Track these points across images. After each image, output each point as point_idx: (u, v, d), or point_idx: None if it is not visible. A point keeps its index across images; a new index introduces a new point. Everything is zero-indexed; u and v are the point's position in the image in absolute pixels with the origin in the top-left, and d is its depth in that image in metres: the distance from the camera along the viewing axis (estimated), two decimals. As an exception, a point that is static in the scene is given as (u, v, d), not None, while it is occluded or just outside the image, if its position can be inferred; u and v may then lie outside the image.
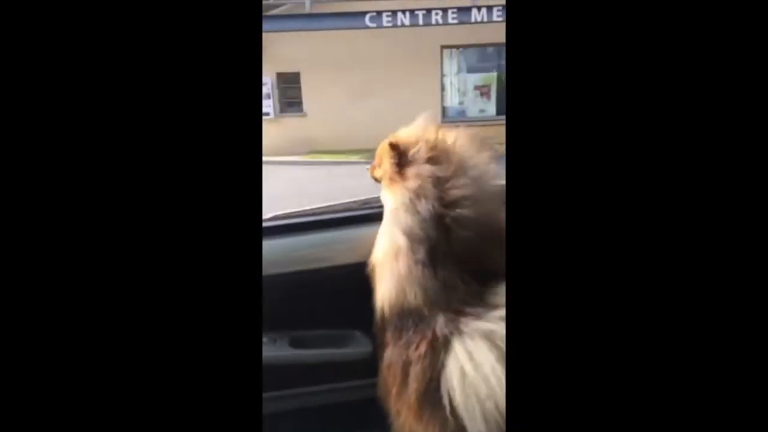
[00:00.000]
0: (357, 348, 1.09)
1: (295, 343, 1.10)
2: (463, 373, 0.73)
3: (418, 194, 0.83)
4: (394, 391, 0.82)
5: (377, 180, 0.97)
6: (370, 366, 0.95)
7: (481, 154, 0.88)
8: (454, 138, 0.88)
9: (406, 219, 0.83)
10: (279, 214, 1.19)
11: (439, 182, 0.82)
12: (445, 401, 0.74)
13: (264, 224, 1.19)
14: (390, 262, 0.85)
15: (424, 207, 0.81)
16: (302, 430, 1.10)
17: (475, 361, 0.72)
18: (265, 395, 1.06)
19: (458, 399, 0.72)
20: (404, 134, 0.92)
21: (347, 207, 1.24)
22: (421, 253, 0.81)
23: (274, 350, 1.08)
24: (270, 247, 1.12)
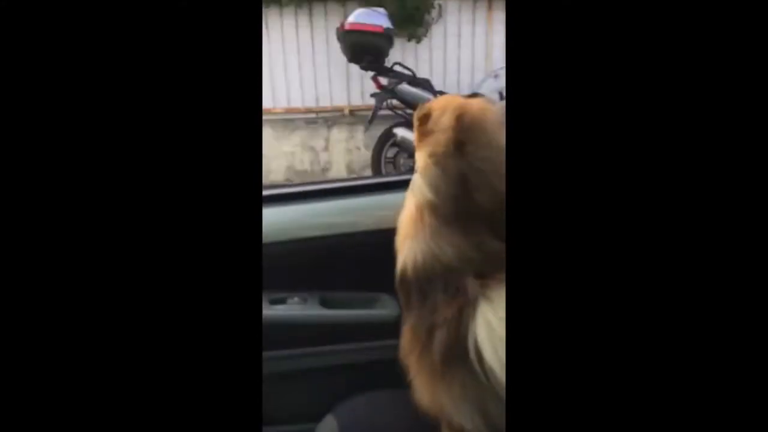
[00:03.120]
0: (385, 310, 1.12)
1: (325, 303, 1.14)
2: (491, 330, 0.74)
3: (443, 152, 0.84)
4: (417, 352, 0.84)
5: None
6: (397, 327, 0.98)
7: (501, 120, 0.88)
8: (479, 107, 0.90)
9: (433, 176, 0.85)
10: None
11: (463, 143, 0.84)
12: (473, 356, 0.75)
13: (299, 189, 1.22)
14: (416, 221, 0.86)
15: (450, 164, 0.83)
16: (330, 386, 1.16)
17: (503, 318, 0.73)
18: (294, 351, 1.12)
19: (487, 351, 0.74)
20: (436, 99, 0.95)
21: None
22: (450, 210, 0.83)
23: (304, 309, 1.12)
24: (305, 211, 1.16)
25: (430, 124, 0.89)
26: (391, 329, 1.04)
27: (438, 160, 0.85)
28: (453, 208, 0.83)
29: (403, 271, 0.88)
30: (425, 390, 0.84)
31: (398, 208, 0.96)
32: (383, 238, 0.97)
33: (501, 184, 0.81)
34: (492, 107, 0.90)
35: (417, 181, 0.89)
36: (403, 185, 1.05)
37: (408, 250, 0.87)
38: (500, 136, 0.85)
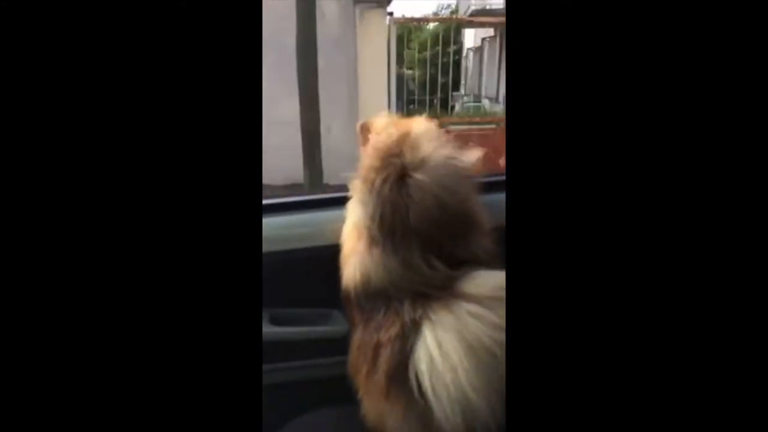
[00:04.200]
0: (334, 327, 1.12)
1: (275, 321, 1.13)
2: (431, 359, 0.75)
3: (376, 171, 0.85)
4: (364, 371, 0.84)
5: None
6: (347, 344, 0.98)
7: (443, 144, 0.90)
8: (418, 126, 0.91)
9: (366, 196, 0.86)
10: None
11: (398, 162, 0.84)
12: (413, 383, 0.77)
13: None
14: (352, 241, 0.88)
15: (382, 184, 0.84)
16: (279, 404, 1.14)
17: (444, 351, 0.75)
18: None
19: (426, 383, 0.75)
20: (376, 118, 0.95)
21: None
22: (380, 232, 0.83)
23: None
24: None
25: (369, 142, 0.90)
26: (341, 345, 1.04)
27: (369, 179, 0.85)
28: (384, 229, 0.83)
29: (346, 289, 0.89)
30: (371, 409, 0.85)
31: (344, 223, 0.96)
32: (332, 253, 0.97)
33: (436, 208, 0.83)
34: (430, 128, 0.91)
35: (353, 199, 0.91)
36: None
37: (348, 268, 0.88)
38: (437, 157, 0.87)
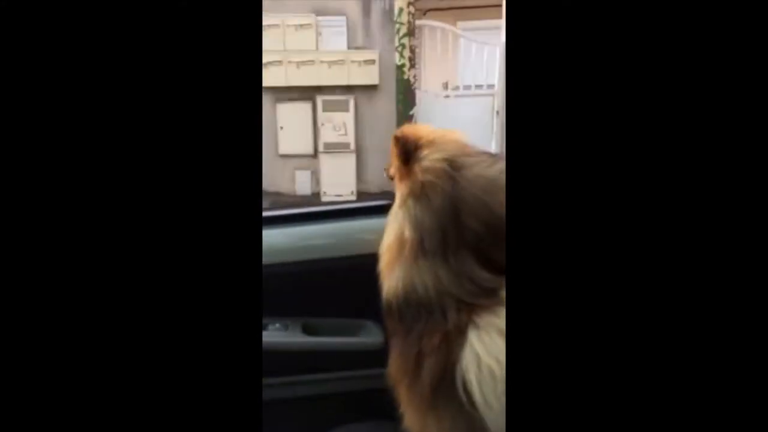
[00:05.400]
0: (369, 338, 1.10)
1: (308, 330, 1.11)
2: (479, 366, 0.73)
3: (431, 185, 0.83)
4: (405, 382, 0.82)
5: (392, 178, 0.97)
6: (382, 356, 0.96)
7: (484, 152, 0.89)
8: (459, 136, 0.90)
9: (417, 210, 0.84)
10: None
11: (451, 175, 0.83)
12: (461, 393, 0.74)
13: (281, 212, 1.21)
14: (397, 253, 0.85)
15: (438, 198, 0.82)
16: (312, 417, 1.12)
17: (494, 356, 0.72)
18: (276, 380, 1.08)
19: (476, 391, 0.73)
20: (410, 129, 0.93)
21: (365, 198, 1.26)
22: (432, 244, 0.81)
23: (286, 336, 1.09)
24: (287, 235, 1.14)
25: (413, 152, 0.87)
26: (375, 357, 1.02)
27: (426, 192, 0.83)
28: (437, 240, 0.82)
29: (387, 301, 0.86)
30: (415, 422, 0.82)
31: (381, 232, 0.95)
32: (366, 264, 0.95)
33: (496, 206, 0.81)
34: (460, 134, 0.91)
35: (398, 214, 0.88)
36: (386, 210, 1.04)
37: (390, 280, 0.86)
38: (481, 163, 0.86)
